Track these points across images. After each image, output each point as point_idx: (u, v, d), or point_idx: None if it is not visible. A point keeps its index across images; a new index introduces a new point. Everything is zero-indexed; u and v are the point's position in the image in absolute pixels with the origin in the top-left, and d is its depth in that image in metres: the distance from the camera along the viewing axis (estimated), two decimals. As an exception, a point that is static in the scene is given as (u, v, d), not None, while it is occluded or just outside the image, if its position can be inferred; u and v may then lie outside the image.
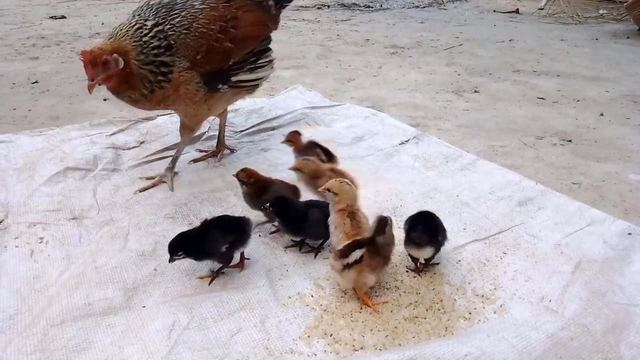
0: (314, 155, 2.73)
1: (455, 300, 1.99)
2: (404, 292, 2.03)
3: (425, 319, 1.89)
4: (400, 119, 3.71)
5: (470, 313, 1.92)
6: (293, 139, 2.89)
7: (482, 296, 2.01)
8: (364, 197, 2.72)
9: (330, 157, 2.79)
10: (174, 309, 1.91)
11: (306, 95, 4.10)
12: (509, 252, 2.26)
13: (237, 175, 2.46)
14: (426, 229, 2.08)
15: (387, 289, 2.05)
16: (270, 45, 3.14)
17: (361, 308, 1.94)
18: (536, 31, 7.00)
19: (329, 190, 2.12)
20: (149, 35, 2.54)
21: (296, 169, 2.52)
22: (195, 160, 3.15)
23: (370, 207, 2.61)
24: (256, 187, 2.43)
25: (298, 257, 2.25)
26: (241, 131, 3.53)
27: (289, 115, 3.67)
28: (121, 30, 2.54)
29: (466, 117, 3.92)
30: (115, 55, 2.44)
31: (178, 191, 2.79)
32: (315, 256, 2.24)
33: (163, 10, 2.67)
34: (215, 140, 3.28)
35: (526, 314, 1.89)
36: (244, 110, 3.79)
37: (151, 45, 2.53)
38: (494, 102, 4.28)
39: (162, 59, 2.55)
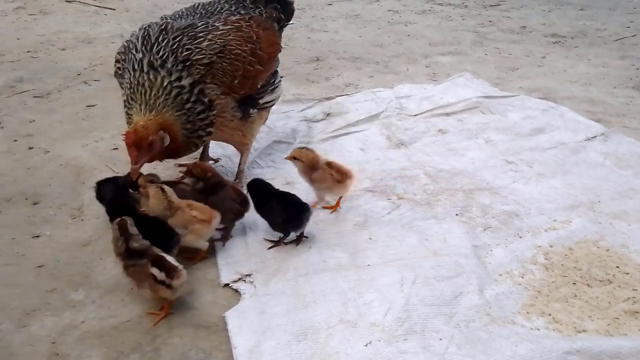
0: None
1: (678, 302, 1.99)
2: (618, 286, 2.07)
3: (647, 315, 1.93)
4: (578, 114, 3.61)
5: (698, 317, 1.91)
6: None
7: None
8: (554, 187, 2.76)
9: None
10: (396, 268, 2.15)
11: (474, 84, 4.14)
12: None
13: (189, 171, 2.35)
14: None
15: (600, 280, 2.10)
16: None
17: (575, 295, 2.04)
18: None
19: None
20: (192, 100, 2.31)
21: (294, 157, 2.52)
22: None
23: (563, 200, 2.65)
24: (209, 184, 2.34)
25: (500, 239, 2.38)
26: (415, 115, 3.70)
27: (462, 102, 3.75)
28: (156, 97, 2.25)
29: (655, 116, 3.68)
30: (161, 132, 2.22)
31: (370, 167, 3.04)
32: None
33: (185, 38, 2.38)
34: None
35: None
36: (415, 97, 3.93)
37: (196, 111, 2.32)
38: (687, 101, 3.95)
39: (208, 121, 2.36)
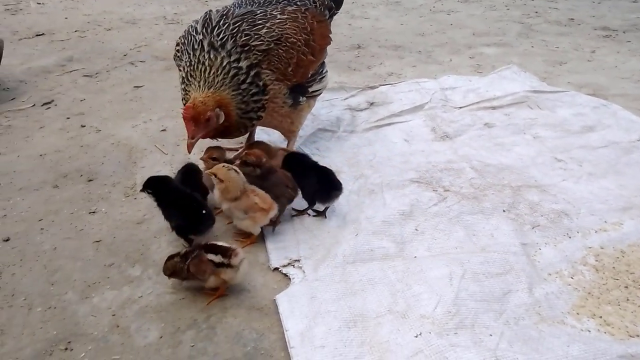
0: None
1: None
2: (673, 292, 2.03)
3: None
4: (631, 112, 3.49)
5: None
6: None
7: None
8: (605, 188, 2.71)
9: None
10: (444, 262, 2.15)
11: (521, 77, 4.05)
12: None
13: (244, 162, 2.34)
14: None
15: (653, 286, 2.07)
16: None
17: (627, 299, 2.01)
18: None
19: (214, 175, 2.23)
20: (247, 82, 2.38)
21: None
22: None
23: (614, 201, 2.59)
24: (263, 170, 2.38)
25: (549, 238, 2.35)
26: (460, 107, 3.66)
27: (509, 96, 3.68)
28: (215, 75, 2.33)
29: None
30: (217, 109, 2.29)
31: (414, 158, 3.04)
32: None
33: (244, 24, 2.46)
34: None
35: None
36: (461, 89, 3.88)
37: (251, 93, 2.39)
38: None
39: (260, 104, 2.43)
